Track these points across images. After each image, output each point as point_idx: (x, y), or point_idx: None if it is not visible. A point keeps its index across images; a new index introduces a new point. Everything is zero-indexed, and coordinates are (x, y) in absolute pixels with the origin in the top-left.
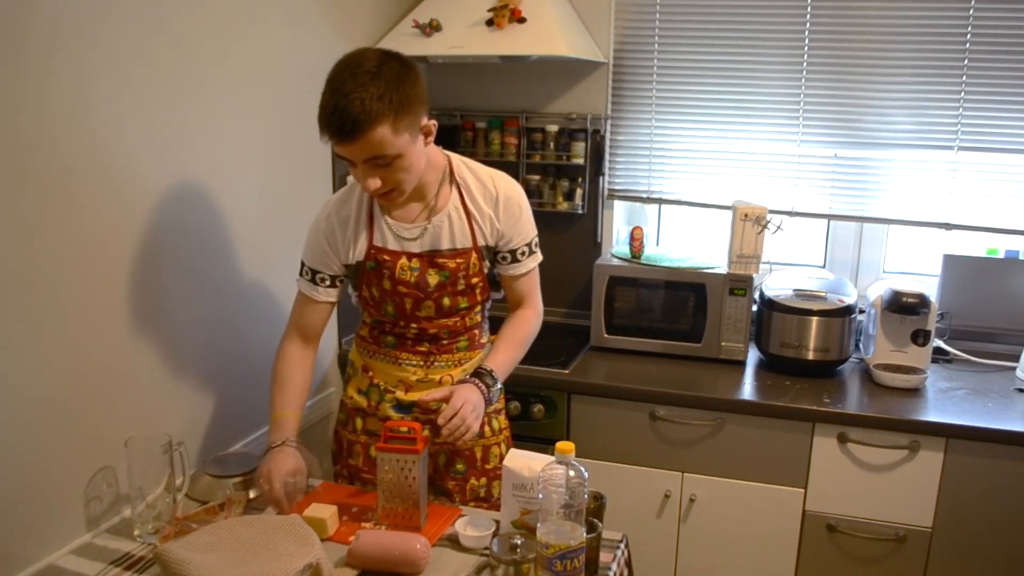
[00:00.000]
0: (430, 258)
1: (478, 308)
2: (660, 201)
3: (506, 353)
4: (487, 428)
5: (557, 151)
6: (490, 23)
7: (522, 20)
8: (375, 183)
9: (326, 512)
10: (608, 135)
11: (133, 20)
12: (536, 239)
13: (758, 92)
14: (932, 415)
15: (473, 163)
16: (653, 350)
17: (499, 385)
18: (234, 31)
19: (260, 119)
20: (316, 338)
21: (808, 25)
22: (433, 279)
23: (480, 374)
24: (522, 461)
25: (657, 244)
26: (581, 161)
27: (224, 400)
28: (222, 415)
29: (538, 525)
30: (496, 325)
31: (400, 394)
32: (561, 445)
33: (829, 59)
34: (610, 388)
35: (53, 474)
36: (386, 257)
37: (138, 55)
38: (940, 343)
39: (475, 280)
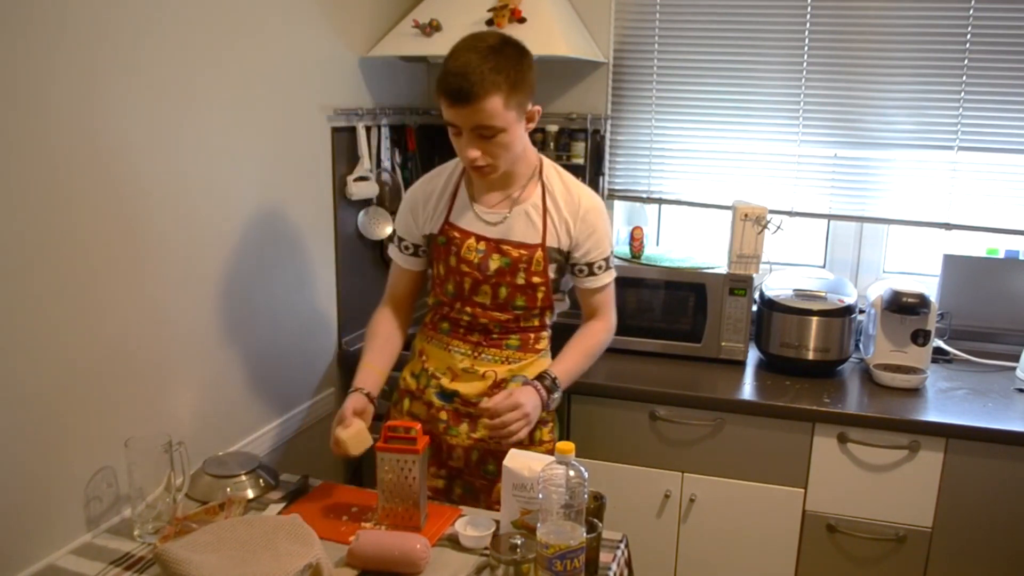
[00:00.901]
0: (497, 244)
1: (536, 313)
2: (660, 201)
3: (572, 361)
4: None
5: (557, 151)
6: (490, 23)
7: (522, 20)
8: (475, 153)
9: (355, 427)
10: (608, 135)
11: (133, 20)
12: (612, 256)
13: (758, 92)
14: (932, 415)
15: (564, 171)
16: (653, 350)
17: (559, 393)
18: (234, 31)
19: (260, 119)
20: (405, 303)
21: (808, 25)
22: (494, 263)
23: (542, 378)
24: (522, 461)
25: (657, 244)
26: (581, 161)
27: (224, 400)
28: (222, 415)
29: (538, 525)
30: (562, 337)
31: (445, 381)
32: (561, 445)
33: (829, 59)
34: (610, 388)
35: (53, 474)
36: (456, 234)
37: (138, 55)
38: (940, 343)
39: (536, 280)
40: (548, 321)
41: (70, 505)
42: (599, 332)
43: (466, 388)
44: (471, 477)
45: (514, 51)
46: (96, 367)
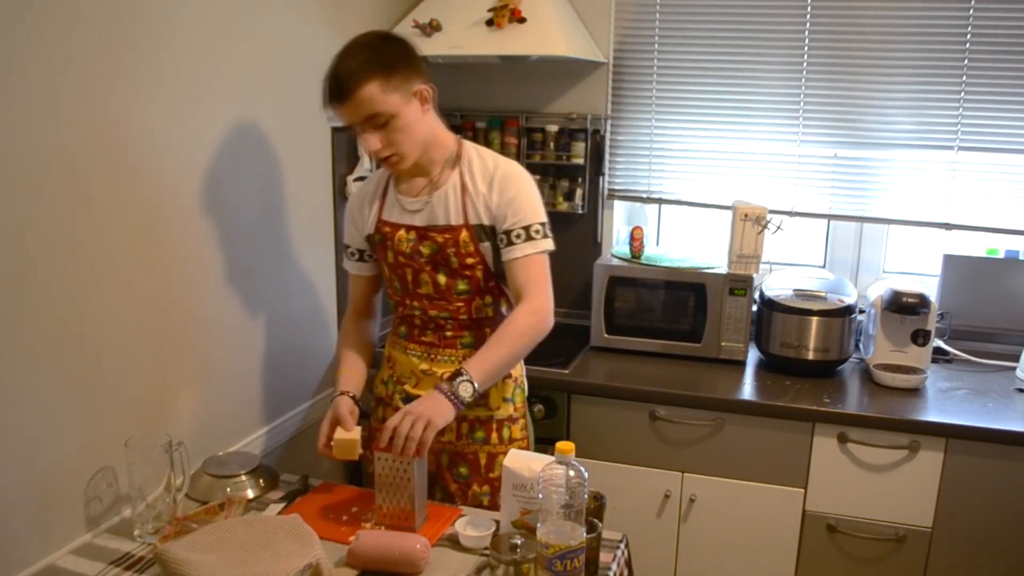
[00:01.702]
0: (424, 231)
1: (488, 300)
2: (660, 201)
3: (485, 351)
4: (495, 435)
5: (557, 151)
6: (490, 23)
7: (522, 20)
8: (376, 144)
9: (355, 434)
10: (608, 135)
11: (132, 22)
12: (539, 225)
13: (758, 92)
14: (932, 415)
15: (485, 149)
16: (653, 350)
17: (470, 384)
18: (233, 32)
19: (260, 119)
20: (366, 309)
21: (808, 25)
22: (425, 250)
23: (452, 375)
24: (522, 461)
25: (657, 244)
26: (581, 161)
27: (224, 400)
28: (222, 415)
29: (538, 525)
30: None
31: (409, 387)
32: (561, 445)
33: (829, 59)
34: (610, 388)
35: (53, 474)
36: (388, 229)
37: (137, 56)
38: (940, 343)
39: (470, 260)
40: (505, 311)
41: (70, 505)
42: (518, 316)
43: (427, 392)
44: (444, 481)
45: (387, 41)
46: (96, 367)
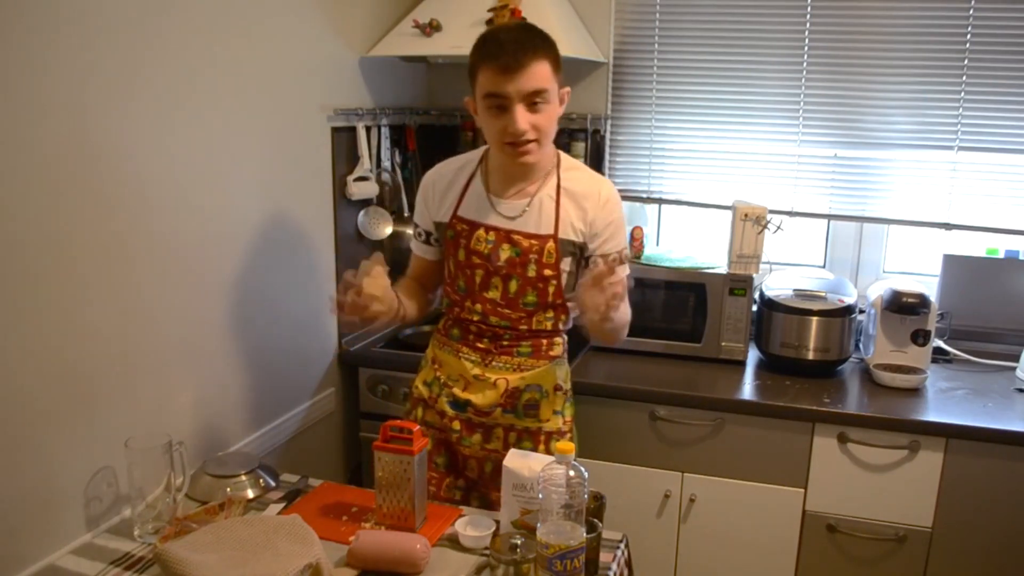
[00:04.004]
0: (508, 234)
1: (549, 316)
2: (660, 201)
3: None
4: (542, 447)
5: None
6: (490, 23)
7: (522, 20)
8: (525, 123)
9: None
10: (608, 135)
11: (132, 20)
12: (628, 251)
13: (758, 92)
14: (932, 415)
15: (581, 163)
16: (653, 350)
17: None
18: (233, 31)
19: (260, 119)
20: (424, 282)
21: (808, 25)
22: (505, 253)
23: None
24: (522, 461)
25: (657, 244)
26: (581, 161)
27: (224, 400)
28: (222, 415)
29: (538, 525)
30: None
31: (457, 390)
32: (561, 445)
33: (829, 59)
34: (610, 388)
35: (53, 474)
36: (465, 227)
37: (137, 56)
38: (940, 343)
39: (548, 272)
40: (562, 326)
41: (70, 505)
42: (627, 311)
43: (478, 398)
44: (486, 489)
45: (544, 32)
46: (96, 367)
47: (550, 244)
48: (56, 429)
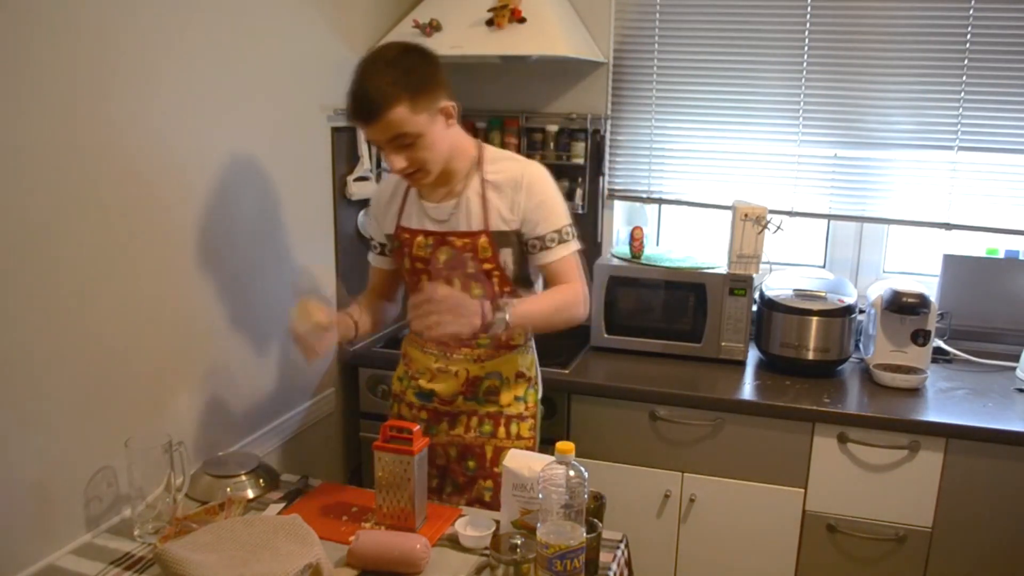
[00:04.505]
0: (443, 236)
1: None
2: (660, 201)
3: (535, 300)
4: (502, 430)
5: (557, 151)
6: (490, 23)
7: (522, 20)
8: (400, 162)
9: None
10: (608, 135)
11: (133, 22)
12: (568, 228)
13: (758, 92)
14: (932, 415)
15: (503, 151)
16: (653, 350)
17: (504, 322)
18: (234, 32)
19: (260, 119)
20: (385, 294)
21: (808, 25)
22: (442, 256)
23: (496, 305)
24: (522, 461)
25: (657, 244)
26: (581, 161)
27: (224, 400)
28: (222, 415)
29: (538, 525)
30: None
31: (423, 382)
32: (561, 445)
33: (829, 59)
34: (610, 388)
35: (53, 474)
36: (406, 235)
37: (138, 56)
38: (940, 343)
39: (487, 266)
40: None
41: (70, 505)
42: (566, 289)
43: (441, 387)
44: (454, 474)
45: (413, 57)
46: (96, 367)
47: (482, 239)
48: (56, 429)
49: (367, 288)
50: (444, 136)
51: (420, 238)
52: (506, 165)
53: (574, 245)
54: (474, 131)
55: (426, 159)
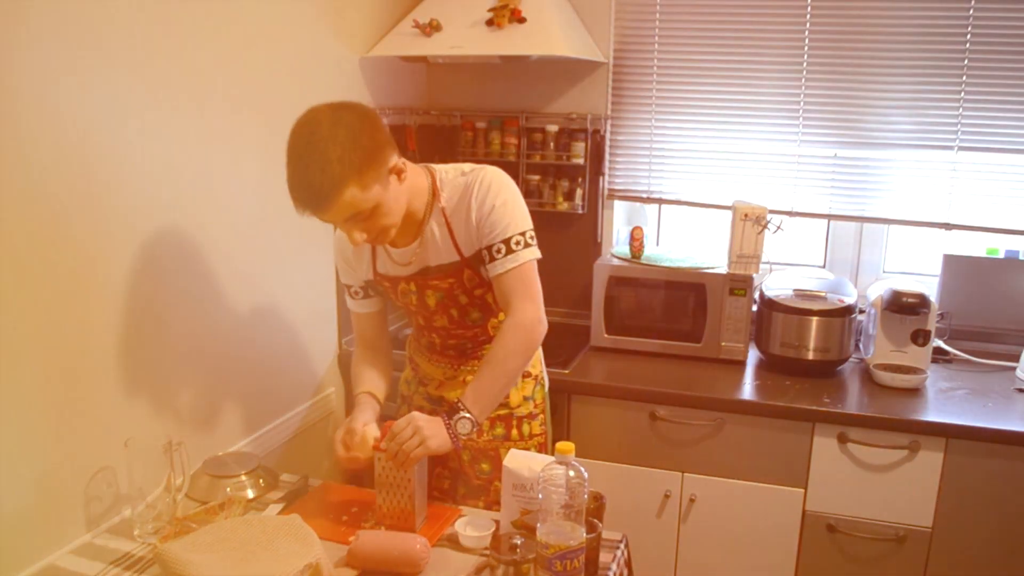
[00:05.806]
0: (423, 279)
1: (502, 316)
2: (660, 201)
3: (478, 382)
4: (515, 431)
5: (557, 151)
6: (490, 23)
7: (522, 20)
8: (359, 237)
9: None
10: (608, 135)
11: (132, 20)
12: (519, 236)
13: (758, 92)
14: (932, 415)
15: (451, 168)
16: (653, 350)
17: (468, 421)
18: (233, 31)
19: (260, 119)
20: (378, 342)
21: (808, 25)
22: (431, 299)
23: (450, 409)
24: (522, 461)
25: (657, 244)
26: (581, 161)
27: (224, 400)
28: (222, 415)
29: (538, 525)
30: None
31: (431, 388)
32: (561, 445)
33: (829, 59)
34: (610, 388)
35: (53, 474)
36: (387, 283)
37: (138, 56)
38: (940, 343)
39: (478, 292)
40: None
41: (70, 505)
42: (505, 336)
43: (451, 393)
44: (467, 478)
45: (348, 128)
46: (96, 367)
47: (465, 273)
48: (56, 429)
49: (356, 343)
50: (400, 195)
51: (402, 285)
52: (456, 183)
53: (524, 256)
54: (474, 131)
55: (385, 224)
